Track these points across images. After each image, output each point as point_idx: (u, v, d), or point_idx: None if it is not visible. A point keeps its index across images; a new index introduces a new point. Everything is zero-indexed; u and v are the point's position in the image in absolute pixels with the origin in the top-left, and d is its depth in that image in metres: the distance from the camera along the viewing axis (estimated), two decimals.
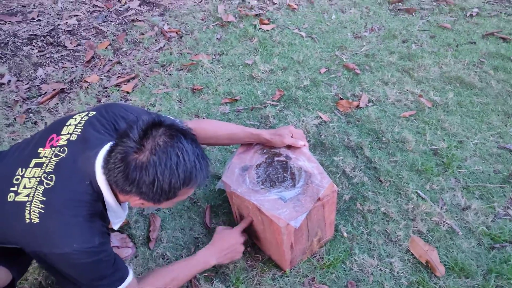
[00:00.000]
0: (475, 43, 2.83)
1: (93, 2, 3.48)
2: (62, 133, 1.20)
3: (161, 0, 3.53)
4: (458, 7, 3.27)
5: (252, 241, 1.61)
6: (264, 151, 1.57)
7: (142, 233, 1.68)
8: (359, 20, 3.17)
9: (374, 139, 2.10)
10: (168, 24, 3.17)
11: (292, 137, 1.55)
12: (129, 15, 3.30)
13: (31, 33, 3.03)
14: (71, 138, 1.18)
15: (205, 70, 2.64)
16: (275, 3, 3.43)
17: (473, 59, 2.66)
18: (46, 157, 1.15)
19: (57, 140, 1.18)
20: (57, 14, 3.29)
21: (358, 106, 2.30)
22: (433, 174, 1.88)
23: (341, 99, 2.35)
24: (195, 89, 2.46)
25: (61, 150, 1.15)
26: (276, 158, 1.53)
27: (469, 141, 2.06)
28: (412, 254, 1.57)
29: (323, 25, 3.11)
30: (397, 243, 1.61)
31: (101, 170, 1.10)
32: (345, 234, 1.64)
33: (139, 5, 3.46)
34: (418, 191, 1.81)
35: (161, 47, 2.90)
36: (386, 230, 1.65)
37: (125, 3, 3.47)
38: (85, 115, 1.25)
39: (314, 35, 2.98)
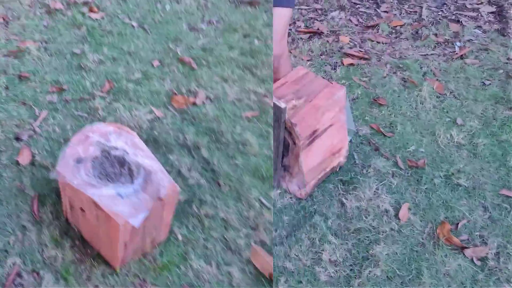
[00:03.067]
0: None
1: None
2: None
3: None
4: None
5: (80, 234, 1.55)
6: (101, 143, 1.51)
7: None
8: (195, 12, 3.02)
9: (213, 139, 1.96)
10: None
11: None
12: None
13: None
14: None
15: (32, 57, 2.44)
16: None
17: None
18: None
19: None
20: None
21: (194, 103, 2.15)
22: None
23: (175, 94, 2.19)
24: (22, 76, 2.29)
25: None
26: (112, 152, 1.48)
27: None
28: (253, 265, 1.48)
29: (156, 15, 2.89)
30: (237, 252, 1.52)
31: None
32: (180, 237, 1.55)
33: None
34: (261, 199, 1.73)
35: None
36: (225, 237, 1.56)
37: None
38: None
39: (146, 25, 2.77)
